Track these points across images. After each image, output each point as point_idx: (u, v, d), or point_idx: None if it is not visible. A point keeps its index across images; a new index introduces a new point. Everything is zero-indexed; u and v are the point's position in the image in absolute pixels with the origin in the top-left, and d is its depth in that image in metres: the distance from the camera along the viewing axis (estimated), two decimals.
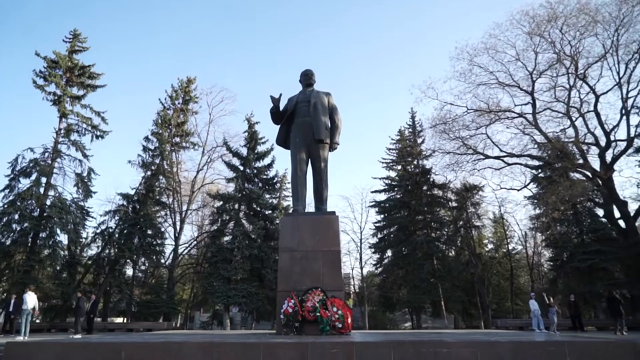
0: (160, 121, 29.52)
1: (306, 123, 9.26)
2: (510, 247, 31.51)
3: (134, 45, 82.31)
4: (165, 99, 31.76)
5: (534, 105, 20.66)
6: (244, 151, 26.88)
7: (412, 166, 27.73)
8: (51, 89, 23.16)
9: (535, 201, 22.88)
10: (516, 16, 20.33)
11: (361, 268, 30.02)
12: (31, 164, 21.36)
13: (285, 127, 9.63)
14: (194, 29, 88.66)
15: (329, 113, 9.52)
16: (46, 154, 22.55)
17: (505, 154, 21.50)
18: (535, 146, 21.94)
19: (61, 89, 23.16)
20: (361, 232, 29.18)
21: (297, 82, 10.02)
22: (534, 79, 20.47)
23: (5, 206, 20.18)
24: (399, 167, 28.94)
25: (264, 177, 26.42)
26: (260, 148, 26.67)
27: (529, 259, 30.83)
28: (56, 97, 23.12)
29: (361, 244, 28.85)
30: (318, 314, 7.51)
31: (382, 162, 30.12)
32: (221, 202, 25.64)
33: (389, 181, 29.40)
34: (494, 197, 32.38)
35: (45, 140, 23.30)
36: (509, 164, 22.58)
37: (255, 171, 26.40)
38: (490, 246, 33.47)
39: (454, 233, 28.53)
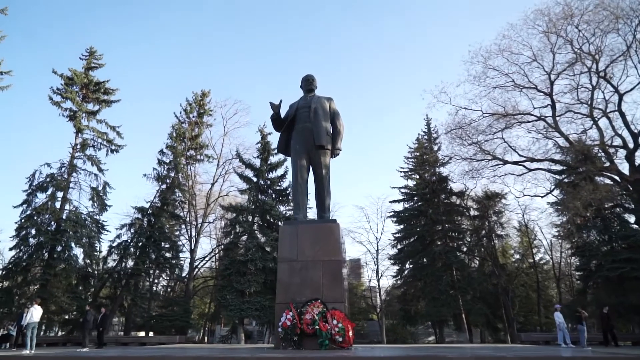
0: (175, 134, 30.01)
1: (307, 129, 9.12)
2: (537, 257, 30.36)
3: (144, 53, 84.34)
4: (181, 113, 32.33)
5: (553, 107, 19.95)
6: (257, 162, 26.94)
7: (429, 174, 27.19)
8: (67, 105, 23.92)
9: (559, 207, 21.93)
10: (530, 15, 19.79)
11: (378, 280, 29.46)
12: (48, 179, 21.95)
13: (286, 133, 9.51)
14: (208, 39, 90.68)
15: (331, 118, 9.35)
16: (62, 169, 23.15)
17: (525, 159, 20.77)
18: (558, 150, 21.13)
19: (77, 105, 23.85)
20: (377, 243, 28.66)
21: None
22: (552, 79, 19.79)
23: (23, 221, 20.73)
24: (417, 176, 28.46)
25: (277, 188, 26.36)
26: (273, 159, 26.68)
27: (556, 269, 29.56)
28: (72, 113, 23.81)
29: (377, 255, 28.33)
30: (317, 327, 7.22)
31: (400, 171, 29.70)
32: (234, 214, 25.67)
33: (407, 190, 28.89)
34: (517, 204, 31.30)
35: (61, 155, 23.92)
36: (530, 170, 21.78)
37: (268, 182, 26.37)
38: (517, 256, 32.34)
39: (476, 243, 27.70)
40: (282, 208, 26.60)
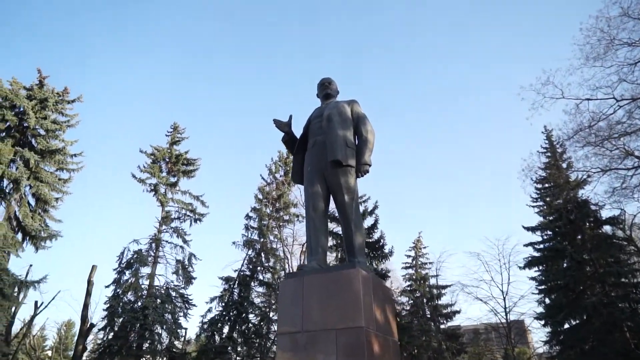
0: (260, 197, 30.11)
1: (318, 143, 6.97)
2: None
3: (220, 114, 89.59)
4: (269, 175, 32.66)
5: None
6: None
7: (562, 200, 21.67)
8: (152, 181, 25.57)
9: None
10: None
11: (512, 349, 23.38)
12: (135, 256, 22.98)
13: (300, 156, 7.44)
14: (287, 94, 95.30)
15: (355, 125, 7.06)
16: (151, 244, 24.25)
17: None
18: None
19: (158, 178, 25.38)
20: (504, 299, 23.08)
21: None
22: None
23: (111, 300, 21.65)
24: (543, 204, 23.10)
25: (368, 241, 23.76)
26: (359, 208, 24.43)
27: None
28: (156, 188, 25.30)
29: (507, 314, 22.71)
30: None
31: (533, 206, 24.54)
32: None
33: (544, 227, 23.52)
34: None
35: (148, 230, 25.27)
36: None
37: None
38: None
39: None
40: (381, 266, 23.94)
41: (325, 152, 6.76)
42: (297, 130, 7.64)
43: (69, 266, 63.78)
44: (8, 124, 18.52)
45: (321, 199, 6.87)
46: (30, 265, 20.95)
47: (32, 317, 26.01)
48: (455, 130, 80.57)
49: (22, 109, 18.37)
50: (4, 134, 18.39)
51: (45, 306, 24.32)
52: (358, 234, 6.74)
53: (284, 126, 7.64)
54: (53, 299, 23.67)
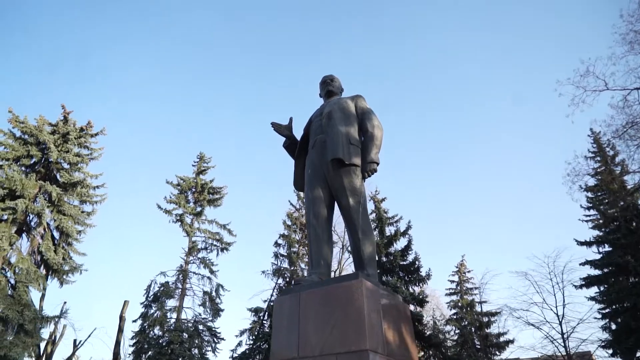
0: (289, 223, 29.51)
1: (319, 142, 6.31)
2: None
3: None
4: (297, 201, 32.13)
5: None
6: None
7: (617, 209, 19.62)
8: (178, 211, 25.50)
9: None
10: None
11: None
12: (161, 289, 22.68)
13: (302, 159, 6.79)
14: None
15: (359, 120, 6.37)
16: (178, 276, 23.94)
17: None
18: None
19: (184, 208, 25.30)
20: (560, 323, 20.65)
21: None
22: None
23: (138, 335, 21.27)
24: (597, 215, 21.01)
25: (403, 263, 22.41)
26: (391, 229, 23.38)
27: None
28: (182, 218, 25.20)
29: (566, 341, 20.25)
30: None
31: (587, 220, 22.48)
32: None
33: (600, 240, 21.37)
34: None
35: (175, 261, 24.98)
36: None
37: (391, 258, 22.74)
38: None
39: None
40: (417, 289, 22.47)
41: (326, 151, 6.07)
42: (300, 134, 7.01)
43: (104, 302, 64.43)
44: (33, 159, 19.14)
45: (323, 204, 6.14)
46: (65, 302, 21.07)
47: (70, 356, 26.04)
48: (489, 139, 77.20)
49: (45, 144, 18.94)
50: (29, 169, 19.04)
51: (82, 344, 24.23)
52: (367, 243, 5.88)
53: (284, 130, 7.04)
54: (89, 336, 23.63)
